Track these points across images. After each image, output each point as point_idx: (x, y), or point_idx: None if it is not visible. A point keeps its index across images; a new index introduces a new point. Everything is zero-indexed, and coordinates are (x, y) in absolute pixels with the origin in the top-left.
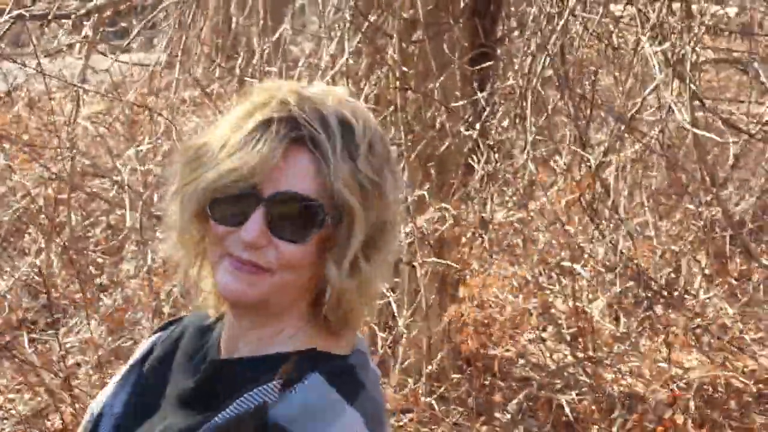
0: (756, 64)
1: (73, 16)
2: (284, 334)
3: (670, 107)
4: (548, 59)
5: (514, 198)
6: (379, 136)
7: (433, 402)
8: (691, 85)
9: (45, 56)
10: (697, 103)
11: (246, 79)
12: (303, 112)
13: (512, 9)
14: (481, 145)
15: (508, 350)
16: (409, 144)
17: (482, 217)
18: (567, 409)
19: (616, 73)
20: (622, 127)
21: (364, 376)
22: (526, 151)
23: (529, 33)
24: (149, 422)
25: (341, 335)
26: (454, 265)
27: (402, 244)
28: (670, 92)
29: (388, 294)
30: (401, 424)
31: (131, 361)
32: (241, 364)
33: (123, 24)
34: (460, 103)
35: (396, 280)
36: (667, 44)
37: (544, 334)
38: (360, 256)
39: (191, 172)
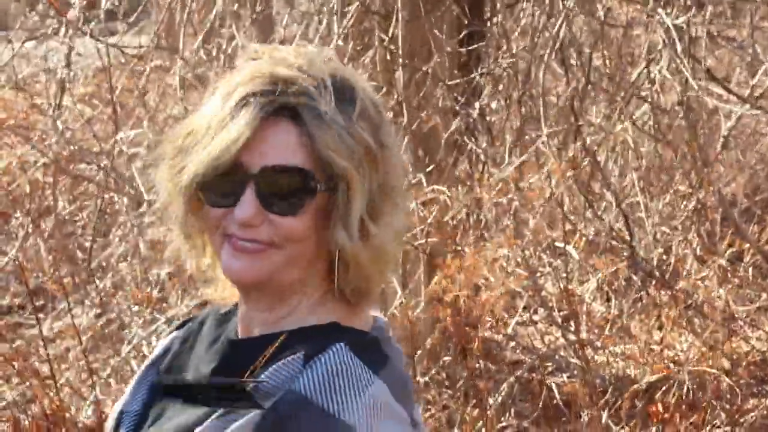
0: (748, 42)
1: None
2: (300, 309)
3: (662, 82)
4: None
5: (507, 178)
6: (372, 99)
7: (426, 383)
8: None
9: (29, 39)
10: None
11: (233, 62)
12: (284, 82)
13: None
14: (479, 125)
15: (498, 333)
16: (405, 124)
17: (475, 197)
18: (557, 392)
19: (605, 52)
20: (614, 105)
21: (388, 349)
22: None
23: (521, 12)
24: (167, 415)
25: (359, 308)
26: (451, 243)
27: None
28: (667, 65)
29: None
30: None
31: (148, 360)
32: (260, 342)
33: (109, 7)
34: (456, 81)
35: None
36: (682, 18)
37: (535, 317)
38: (367, 220)
39: (179, 162)
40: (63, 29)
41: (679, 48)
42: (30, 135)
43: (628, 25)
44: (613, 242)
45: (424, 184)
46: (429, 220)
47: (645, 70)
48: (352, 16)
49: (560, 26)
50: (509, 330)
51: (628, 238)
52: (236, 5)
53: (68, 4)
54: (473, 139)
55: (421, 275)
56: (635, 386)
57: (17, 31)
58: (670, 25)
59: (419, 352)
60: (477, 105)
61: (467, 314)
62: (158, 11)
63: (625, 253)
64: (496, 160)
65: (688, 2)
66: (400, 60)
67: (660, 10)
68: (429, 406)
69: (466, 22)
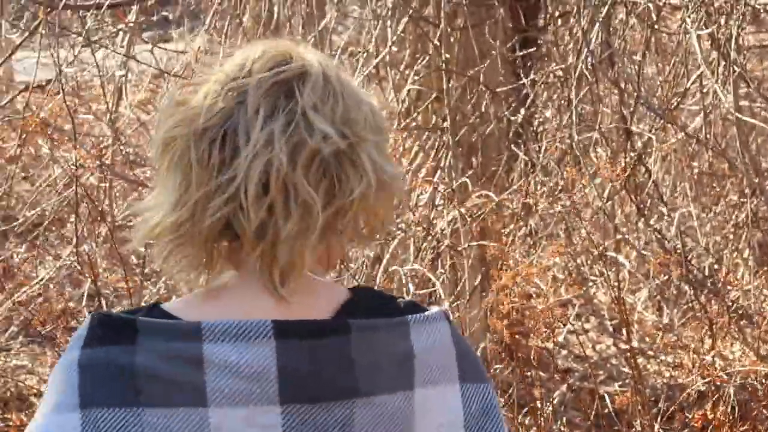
0: None
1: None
2: None
3: (714, 93)
4: (592, 46)
5: (558, 186)
6: None
7: None
8: (735, 68)
9: (85, 45)
10: (742, 91)
11: None
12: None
13: None
14: (525, 133)
15: (549, 341)
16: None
17: (526, 204)
18: (608, 401)
19: (659, 63)
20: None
21: (145, 338)
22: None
23: (573, 20)
24: None
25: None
26: (499, 246)
27: (444, 231)
28: (716, 78)
29: (434, 281)
30: None
31: None
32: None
33: (165, 13)
34: (504, 88)
35: (440, 270)
36: (712, 27)
37: (586, 325)
38: None
39: None
40: (120, 35)
41: (703, 59)
42: (85, 140)
43: (679, 33)
44: (665, 252)
45: (473, 190)
46: (473, 227)
47: (698, 80)
48: (406, 22)
49: (602, 34)
50: (560, 338)
51: (680, 247)
52: (291, 13)
53: (124, 12)
54: (523, 147)
55: (465, 282)
56: (686, 396)
57: (75, 38)
58: (695, 37)
59: None
60: (522, 112)
61: (520, 323)
62: (213, 18)
63: (676, 263)
64: (548, 169)
65: (719, 11)
66: (444, 66)
67: (688, 20)
68: None
69: (511, 26)
